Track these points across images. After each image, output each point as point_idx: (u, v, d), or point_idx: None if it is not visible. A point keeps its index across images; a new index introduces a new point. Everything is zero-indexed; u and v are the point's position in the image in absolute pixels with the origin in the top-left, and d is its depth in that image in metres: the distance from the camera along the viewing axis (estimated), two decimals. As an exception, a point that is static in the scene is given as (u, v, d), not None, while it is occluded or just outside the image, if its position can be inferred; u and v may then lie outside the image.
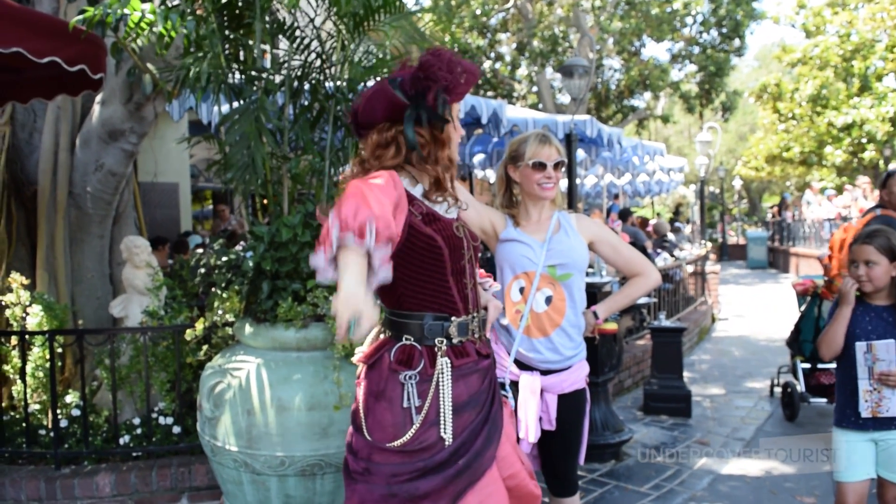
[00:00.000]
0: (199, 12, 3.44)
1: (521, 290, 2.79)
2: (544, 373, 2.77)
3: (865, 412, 2.94)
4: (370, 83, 3.70)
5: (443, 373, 2.03)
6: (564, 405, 2.78)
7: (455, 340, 2.09)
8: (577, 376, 2.82)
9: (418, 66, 2.04)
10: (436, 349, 2.06)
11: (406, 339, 2.07)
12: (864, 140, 20.68)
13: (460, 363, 2.08)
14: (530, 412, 2.69)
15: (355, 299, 1.56)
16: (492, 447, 2.09)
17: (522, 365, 2.79)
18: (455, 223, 2.17)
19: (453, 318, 2.09)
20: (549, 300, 2.77)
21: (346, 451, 2.08)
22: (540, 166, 2.79)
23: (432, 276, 2.07)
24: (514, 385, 2.74)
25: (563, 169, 2.91)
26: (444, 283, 2.09)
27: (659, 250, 10.11)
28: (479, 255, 2.30)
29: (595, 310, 2.91)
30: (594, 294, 4.78)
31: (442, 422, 2.00)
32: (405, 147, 2.07)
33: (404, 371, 2.02)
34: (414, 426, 1.98)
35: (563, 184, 13.31)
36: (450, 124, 2.11)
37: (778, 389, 6.26)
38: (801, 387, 5.61)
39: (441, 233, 2.07)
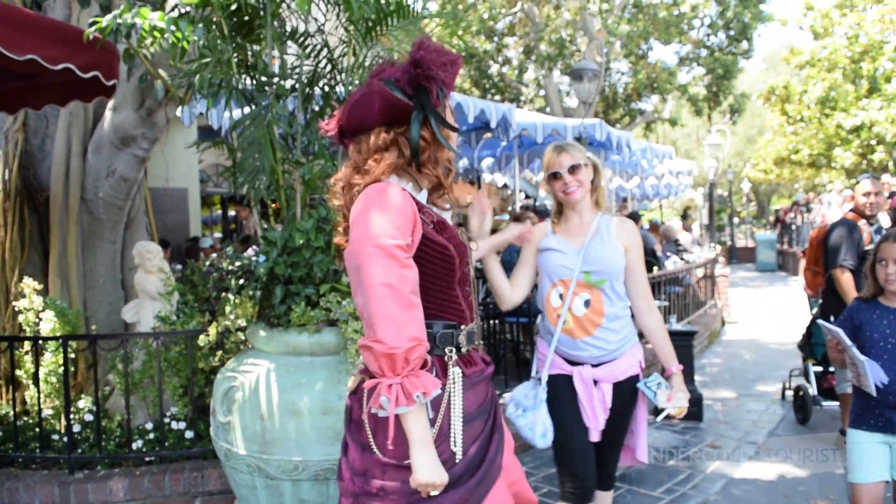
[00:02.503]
0: (210, 19, 3.46)
1: (561, 296, 2.92)
2: (595, 365, 2.91)
3: (854, 381, 3.04)
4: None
5: (455, 383, 1.97)
6: (618, 393, 2.92)
7: (464, 349, 2.04)
8: (628, 363, 2.95)
9: (413, 63, 1.93)
10: (446, 359, 1.99)
11: None
12: (873, 142, 20.57)
13: (470, 372, 2.03)
14: (596, 402, 2.88)
15: (441, 476, 1.78)
16: (500, 455, 2.06)
17: (573, 362, 2.94)
18: (458, 229, 2.13)
19: (462, 327, 2.05)
20: (587, 303, 2.89)
21: (348, 473, 1.97)
22: (555, 176, 2.92)
23: (441, 284, 2.02)
24: (555, 379, 2.91)
25: (586, 167, 2.95)
26: (453, 292, 2.05)
27: (668, 253, 10.09)
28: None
29: (677, 370, 3.02)
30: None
31: (452, 435, 1.93)
32: (408, 149, 1.97)
33: None
34: None
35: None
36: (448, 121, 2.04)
37: (790, 393, 6.23)
38: (813, 390, 5.58)
39: (451, 241, 2.02)
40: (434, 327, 2.00)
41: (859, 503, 2.97)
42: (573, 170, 2.89)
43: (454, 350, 2.01)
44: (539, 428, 2.83)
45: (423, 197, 2.06)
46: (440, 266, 2.00)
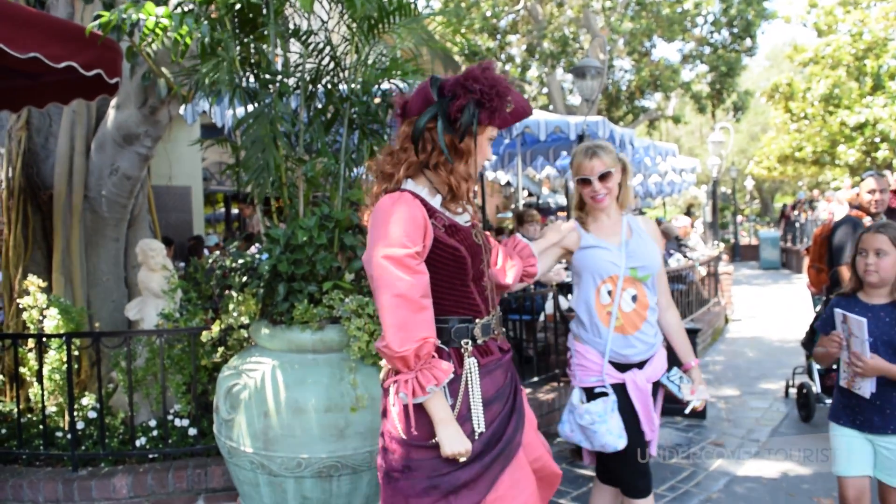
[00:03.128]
0: (213, 16, 3.46)
1: (609, 293, 2.90)
2: (639, 366, 2.91)
3: (843, 382, 2.97)
4: (384, 85, 3.72)
5: (471, 372, 2.15)
6: (655, 390, 2.97)
7: (479, 341, 2.21)
8: (662, 358, 2.99)
9: (465, 75, 2.08)
10: (462, 350, 2.17)
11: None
12: (877, 139, 20.52)
13: (486, 361, 2.21)
14: (651, 409, 2.89)
15: (465, 445, 2.03)
16: (519, 434, 2.23)
17: (618, 366, 2.89)
18: (473, 230, 2.26)
19: (477, 320, 2.22)
20: (634, 298, 2.90)
21: (380, 455, 2.18)
22: (585, 182, 2.90)
23: (455, 282, 2.18)
24: (614, 387, 2.86)
25: (617, 173, 2.93)
26: (467, 289, 2.21)
27: (672, 251, 10.07)
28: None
29: (696, 363, 3.09)
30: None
31: (475, 417, 2.12)
32: (430, 145, 2.12)
33: None
34: None
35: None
36: (470, 138, 2.12)
37: (793, 390, 6.22)
38: (816, 387, 5.57)
39: (463, 242, 2.18)
40: (450, 322, 2.18)
41: (845, 496, 2.96)
42: (604, 177, 2.87)
43: (470, 342, 2.18)
44: (615, 430, 2.79)
45: (437, 201, 2.19)
46: (452, 266, 2.17)
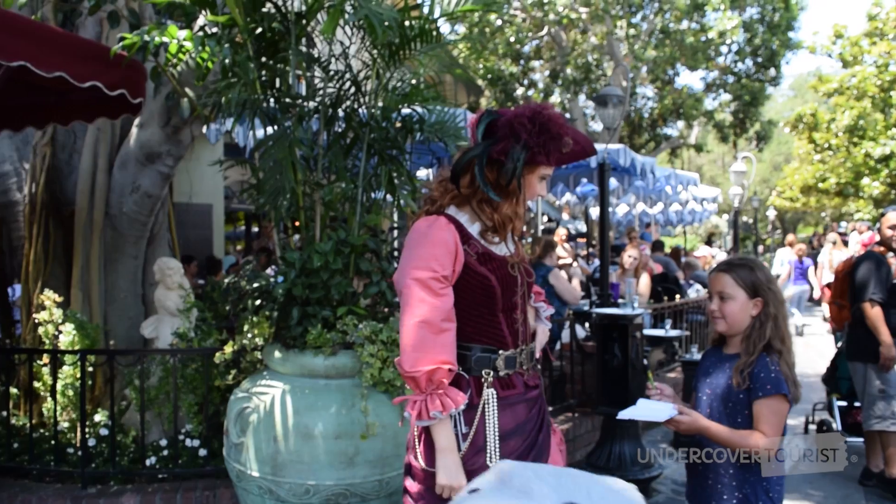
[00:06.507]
0: (236, 39, 3.49)
1: None
2: None
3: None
4: (404, 111, 3.72)
5: (489, 402, 2.11)
6: None
7: (502, 373, 2.16)
8: None
9: (515, 113, 2.06)
10: (482, 380, 2.13)
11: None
12: (902, 172, 20.28)
13: (506, 394, 2.15)
14: None
15: (458, 481, 1.99)
16: None
17: None
18: (510, 261, 2.21)
19: (501, 352, 2.17)
20: None
21: (405, 472, 2.19)
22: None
23: (482, 311, 2.15)
24: None
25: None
26: (495, 319, 2.17)
27: (691, 281, 9.98)
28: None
29: None
30: (625, 326, 4.72)
31: (489, 448, 2.08)
32: (477, 180, 2.10)
33: None
34: (461, 452, 2.06)
35: (595, 212, 13.26)
36: (515, 181, 2.09)
37: (813, 427, 6.10)
38: (837, 425, 5.46)
39: (495, 272, 2.14)
40: (472, 350, 2.14)
41: None
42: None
43: (491, 372, 2.14)
44: None
45: (475, 229, 2.18)
46: (480, 294, 2.14)
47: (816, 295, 15.26)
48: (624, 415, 2.32)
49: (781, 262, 14.58)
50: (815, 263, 15.04)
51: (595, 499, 0.81)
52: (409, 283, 2.02)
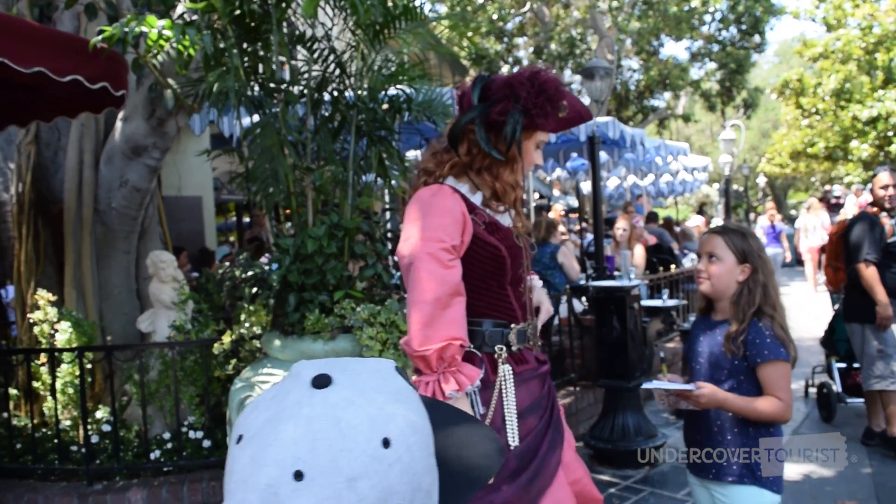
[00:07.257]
0: (216, 26, 3.44)
1: None
2: None
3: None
4: (391, 91, 3.69)
5: (505, 379, 2.02)
6: None
7: (514, 348, 2.08)
8: None
9: (511, 76, 2.00)
10: (496, 356, 2.04)
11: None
12: (890, 133, 20.33)
13: (521, 369, 2.07)
14: None
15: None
16: (557, 452, 2.08)
17: None
18: (515, 231, 2.15)
19: (513, 326, 2.09)
20: None
21: None
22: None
23: (491, 283, 2.07)
24: None
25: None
26: (503, 291, 2.09)
27: (686, 251, 9.99)
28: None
29: None
30: (622, 298, 4.72)
31: (509, 428, 1.98)
32: (475, 148, 2.03)
33: None
34: None
35: (587, 186, 13.28)
36: (515, 145, 2.02)
37: (813, 390, 6.12)
38: (837, 387, 5.49)
39: (504, 242, 2.06)
40: (483, 325, 2.05)
41: None
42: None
43: (504, 348, 2.05)
44: None
45: (478, 199, 2.09)
46: (490, 266, 2.05)
47: (788, 258, 15.55)
48: (649, 385, 2.34)
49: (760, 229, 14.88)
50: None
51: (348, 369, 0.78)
52: (416, 255, 1.90)
